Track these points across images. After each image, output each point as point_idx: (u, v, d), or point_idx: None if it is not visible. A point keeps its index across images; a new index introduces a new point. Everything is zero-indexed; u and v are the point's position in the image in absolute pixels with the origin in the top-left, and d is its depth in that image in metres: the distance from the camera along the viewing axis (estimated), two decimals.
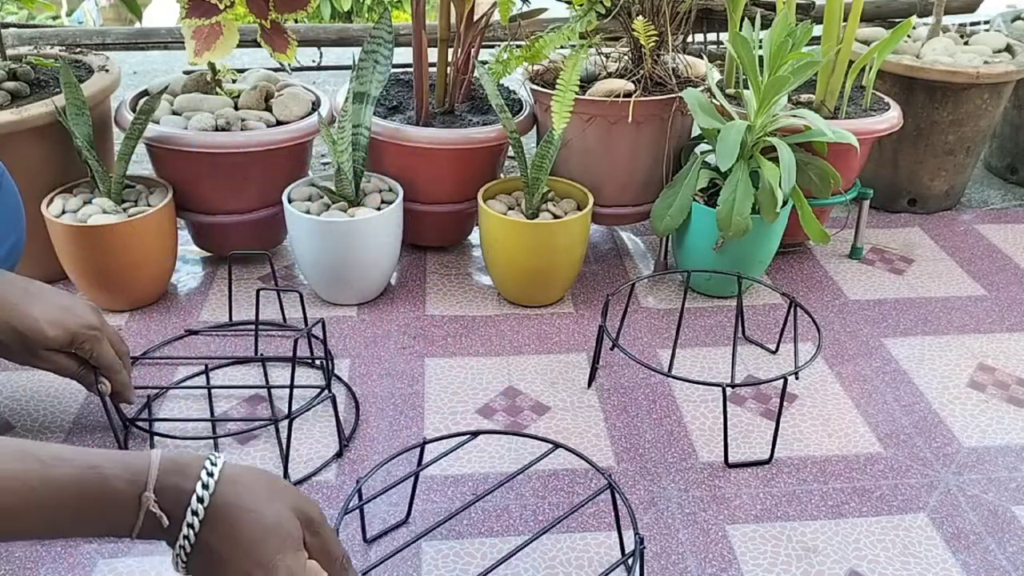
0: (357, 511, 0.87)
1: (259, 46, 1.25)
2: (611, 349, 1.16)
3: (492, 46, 1.65)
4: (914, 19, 1.41)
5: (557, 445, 0.87)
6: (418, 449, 0.89)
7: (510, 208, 1.25)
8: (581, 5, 1.27)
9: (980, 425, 1.05)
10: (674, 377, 1.01)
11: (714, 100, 1.25)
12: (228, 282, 1.21)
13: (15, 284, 0.91)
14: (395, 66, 1.36)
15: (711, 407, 1.07)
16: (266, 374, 1.11)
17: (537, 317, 1.25)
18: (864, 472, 0.98)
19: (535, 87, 1.32)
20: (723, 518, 0.91)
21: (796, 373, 1.07)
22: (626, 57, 1.35)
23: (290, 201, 1.23)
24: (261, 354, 1.14)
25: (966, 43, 1.60)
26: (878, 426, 1.05)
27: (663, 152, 1.31)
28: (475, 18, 1.31)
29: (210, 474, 0.61)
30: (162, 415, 1.03)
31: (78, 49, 1.44)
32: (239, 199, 1.28)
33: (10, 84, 1.22)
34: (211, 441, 1.00)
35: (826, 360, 1.17)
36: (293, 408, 0.99)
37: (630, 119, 1.23)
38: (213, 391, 1.07)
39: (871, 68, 1.35)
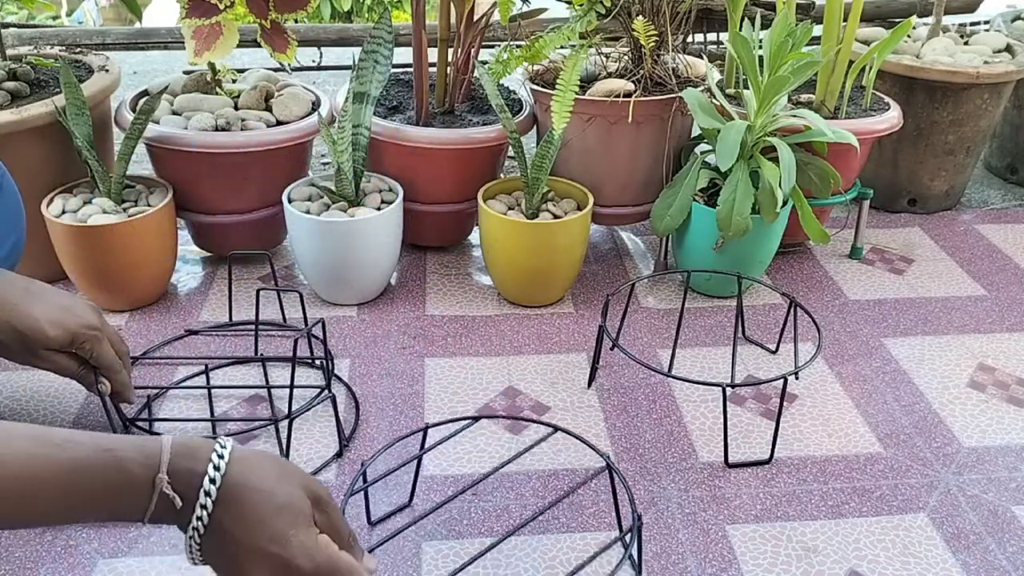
0: (362, 494, 0.88)
1: (259, 46, 1.25)
2: (611, 349, 1.16)
3: (492, 46, 1.65)
4: (914, 19, 1.42)
5: (556, 428, 0.88)
6: (420, 434, 0.90)
7: (510, 208, 1.25)
8: (581, 5, 1.27)
9: (980, 425, 1.05)
10: (674, 377, 1.01)
11: (714, 100, 1.25)
12: (228, 282, 1.21)
13: (15, 284, 0.91)
14: (395, 66, 1.36)
15: (711, 407, 1.07)
16: (266, 374, 1.11)
17: (537, 317, 1.25)
18: (864, 472, 0.98)
19: (535, 87, 1.32)
20: (723, 518, 0.91)
21: (796, 373, 1.07)
22: (626, 57, 1.35)
23: (290, 201, 1.23)
24: (261, 354, 1.14)
25: (966, 43, 1.60)
26: (878, 426, 1.05)
27: (663, 152, 1.31)
28: (475, 18, 1.31)
29: (221, 456, 0.62)
30: (162, 415, 1.03)
31: (78, 49, 1.44)
32: (239, 199, 1.28)
33: (10, 84, 1.22)
34: None
35: (826, 360, 1.17)
36: (293, 408, 0.99)
37: (630, 119, 1.23)
38: (213, 391, 1.07)
39: (871, 68, 1.35)
